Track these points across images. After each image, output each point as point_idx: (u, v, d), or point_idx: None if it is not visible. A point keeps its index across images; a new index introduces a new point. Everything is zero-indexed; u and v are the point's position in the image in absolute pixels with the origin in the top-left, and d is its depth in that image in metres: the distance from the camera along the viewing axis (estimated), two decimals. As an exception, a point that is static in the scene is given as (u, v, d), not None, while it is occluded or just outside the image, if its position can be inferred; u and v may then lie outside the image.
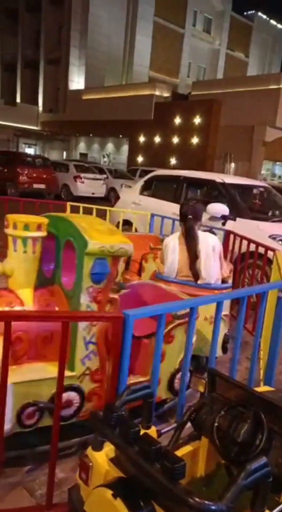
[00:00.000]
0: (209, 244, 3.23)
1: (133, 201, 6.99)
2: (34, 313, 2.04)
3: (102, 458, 1.47)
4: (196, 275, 3.22)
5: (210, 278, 3.19)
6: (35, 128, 33.22)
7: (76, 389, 2.16)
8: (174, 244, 3.32)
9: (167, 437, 1.78)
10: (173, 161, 23.16)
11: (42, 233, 2.29)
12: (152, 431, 1.61)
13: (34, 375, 2.05)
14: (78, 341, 2.12)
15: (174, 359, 2.57)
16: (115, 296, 2.20)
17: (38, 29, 33.73)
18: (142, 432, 1.31)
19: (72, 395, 2.15)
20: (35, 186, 15.93)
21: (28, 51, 35.32)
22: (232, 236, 5.14)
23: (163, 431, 1.75)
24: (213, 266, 3.20)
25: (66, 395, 2.07)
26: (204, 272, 3.18)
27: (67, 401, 2.12)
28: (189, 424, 1.74)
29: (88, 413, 2.19)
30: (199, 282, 3.18)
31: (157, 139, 24.25)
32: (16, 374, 1.96)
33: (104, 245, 2.09)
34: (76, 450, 2.39)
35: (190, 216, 3.30)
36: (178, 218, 5.83)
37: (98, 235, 2.12)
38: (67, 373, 2.00)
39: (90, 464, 1.48)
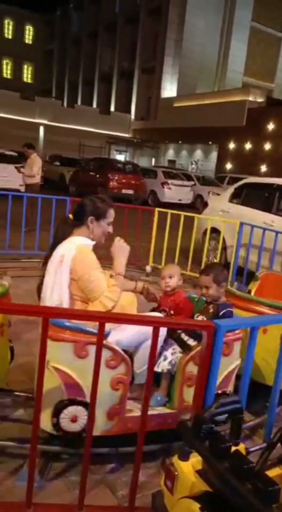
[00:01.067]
0: (58, 253, 2.24)
1: (222, 209, 6.88)
2: (129, 316, 2.07)
3: (188, 469, 1.45)
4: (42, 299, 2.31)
5: (50, 305, 2.22)
6: (126, 135, 34.32)
7: None
8: None
9: (253, 456, 1.71)
10: (263, 168, 22.41)
11: None
12: (241, 448, 1.55)
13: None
14: None
15: None
16: None
17: (135, 40, 34.90)
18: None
19: None
20: (124, 191, 16.42)
21: (124, 61, 36.70)
22: None
23: (251, 449, 1.68)
24: (53, 285, 2.22)
25: None
26: (43, 294, 2.28)
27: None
28: (279, 445, 1.65)
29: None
30: None
31: (248, 145, 23.64)
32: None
33: None
34: (157, 456, 2.40)
35: (70, 215, 2.41)
36: (270, 227, 5.66)
37: None
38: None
39: (176, 473, 1.46)
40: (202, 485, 1.36)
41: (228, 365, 2.27)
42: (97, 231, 2.35)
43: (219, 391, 2.22)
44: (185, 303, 2.58)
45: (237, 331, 2.21)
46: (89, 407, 1.82)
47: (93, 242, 2.35)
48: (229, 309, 2.47)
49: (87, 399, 1.93)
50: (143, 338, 2.26)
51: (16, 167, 12.77)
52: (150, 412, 2.14)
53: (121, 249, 2.37)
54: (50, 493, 2.07)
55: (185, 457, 1.47)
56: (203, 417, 1.38)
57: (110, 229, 2.43)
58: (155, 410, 2.25)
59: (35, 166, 8.94)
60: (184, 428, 1.39)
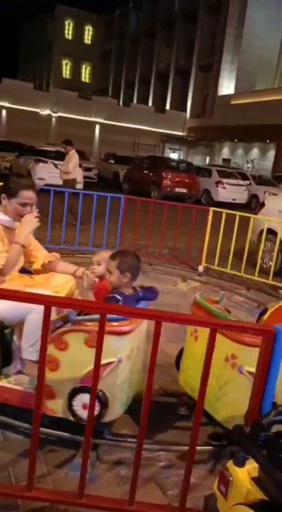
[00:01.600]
0: None
1: (280, 209, 6.65)
2: (184, 316, 2.06)
3: (243, 475, 1.42)
4: None
5: None
6: (181, 134, 34.15)
7: None
8: None
9: None
10: None
11: None
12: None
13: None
14: None
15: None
16: None
17: (193, 38, 34.58)
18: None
19: None
20: (177, 190, 16.37)
21: (181, 59, 36.49)
22: None
23: None
24: None
25: None
26: None
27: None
28: None
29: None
30: None
31: (308, 144, 22.73)
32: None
33: None
34: (207, 458, 2.37)
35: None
36: None
37: None
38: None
39: (231, 478, 1.43)
40: (258, 493, 1.33)
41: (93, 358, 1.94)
42: (9, 208, 2.48)
43: (79, 385, 2.12)
44: (102, 291, 2.46)
45: (114, 323, 2.03)
46: None
47: (8, 218, 2.49)
48: (115, 295, 2.23)
49: None
50: (21, 311, 2.27)
51: (53, 163, 13.19)
52: (10, 386, 2.32)
53: (29, 222, 2.46)
54: (100, 486, 2.11)
55: (240, 463, 1.43)
56: (262, 424, 1.34)
57: (25, 210, 2.48)
58: (17, 386, 2.31)
59: (72, 163, 8.99)
60: (241, 434, 1.36)
